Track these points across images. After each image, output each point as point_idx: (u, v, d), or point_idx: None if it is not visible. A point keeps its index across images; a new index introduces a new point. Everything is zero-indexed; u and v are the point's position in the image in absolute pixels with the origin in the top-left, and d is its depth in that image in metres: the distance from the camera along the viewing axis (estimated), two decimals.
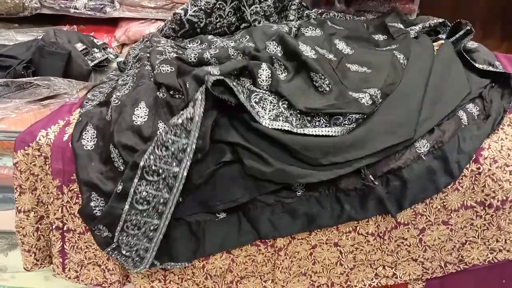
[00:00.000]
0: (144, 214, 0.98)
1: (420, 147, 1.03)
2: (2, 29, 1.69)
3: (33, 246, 1.16)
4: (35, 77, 1.16)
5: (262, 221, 1.04)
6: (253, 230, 1.06)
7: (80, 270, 1.16)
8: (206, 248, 1.07)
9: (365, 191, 1.02)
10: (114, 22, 1.84)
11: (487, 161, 1.04)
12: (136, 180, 0.95)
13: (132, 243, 1.01)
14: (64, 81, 1.16)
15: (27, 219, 1.13)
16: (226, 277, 1.13)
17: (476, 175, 1.05)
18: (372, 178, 1.00)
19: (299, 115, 1.01)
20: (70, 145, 1.06)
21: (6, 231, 1.28)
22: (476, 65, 1.18)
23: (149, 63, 1.17)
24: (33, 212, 1.13)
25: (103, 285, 1.17)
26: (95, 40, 1.51)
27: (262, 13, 1.42)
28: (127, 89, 1.11)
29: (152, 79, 1.11)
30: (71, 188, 1.07)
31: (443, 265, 1.14)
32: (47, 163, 1.08)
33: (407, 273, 1.14)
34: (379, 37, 1.37)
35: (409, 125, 1.01)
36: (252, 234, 1.06)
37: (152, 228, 1.00)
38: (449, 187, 1.05)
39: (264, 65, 1.06)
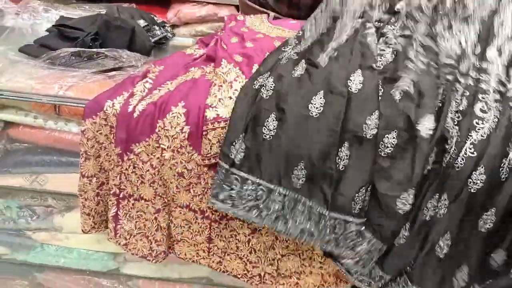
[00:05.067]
0: None
1: None
2: (60, 5, 1.73)
3: (93, 210, 1.22)
4: (105, 49, 1.21)
5: None
6: None
7: (128, 239, 1.21)
8: None
9: None
10: (166, 3, 1.88)
11: None
12: None
13: None
14: (131, 54, 1.21)
15: (89, 184, 1.18)
16: (269, 253, 1.17)
17: None
18: None
19: None
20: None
21: (65, 193, 1.33)
22: None
23: None
24: (95, 178, 1.18)
25: (148, 258, 1.22)
26: (155, 18, 1.55)
27: None
28: None
29: None
30: (130, 157, 1.12)
31: None
32: (112, 132, 1.13)
33: None
34: None
35: None
36: None
37: None
38: None
39: None
